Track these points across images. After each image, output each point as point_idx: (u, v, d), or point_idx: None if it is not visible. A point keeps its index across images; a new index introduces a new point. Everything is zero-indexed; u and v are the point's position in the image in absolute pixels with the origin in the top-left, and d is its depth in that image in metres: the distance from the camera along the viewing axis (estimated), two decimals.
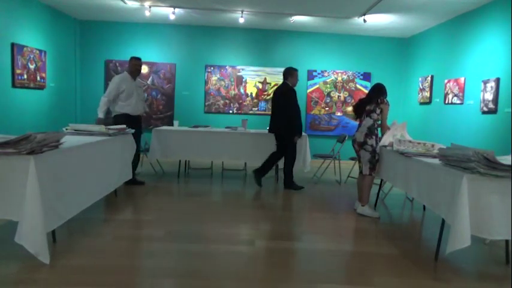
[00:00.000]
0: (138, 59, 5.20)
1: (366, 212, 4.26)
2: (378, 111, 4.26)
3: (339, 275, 2.81)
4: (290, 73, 5.39)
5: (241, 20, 7.06)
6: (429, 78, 7.10)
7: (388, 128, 4.36)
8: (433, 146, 3.72)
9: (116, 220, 3.80)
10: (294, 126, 5.28)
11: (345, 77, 8.24)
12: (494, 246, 3.42)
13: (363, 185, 4.30)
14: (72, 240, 3.17)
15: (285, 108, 5.28)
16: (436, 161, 3.20)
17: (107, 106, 5.01)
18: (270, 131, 5.56)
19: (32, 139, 2.53)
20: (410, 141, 3.91)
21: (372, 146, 4.22)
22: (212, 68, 8.08)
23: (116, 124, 4.87)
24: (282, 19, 7.21)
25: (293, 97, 5.29)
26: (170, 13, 6.87)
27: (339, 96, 8.26)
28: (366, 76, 8.25)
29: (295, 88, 5.47)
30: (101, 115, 4.95)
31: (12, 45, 5.66)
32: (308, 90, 8.23)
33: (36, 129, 5.38)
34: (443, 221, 3.01)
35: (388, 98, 4.41)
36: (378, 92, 4.36)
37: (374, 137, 4.24)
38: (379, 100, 4.28)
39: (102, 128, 4.12)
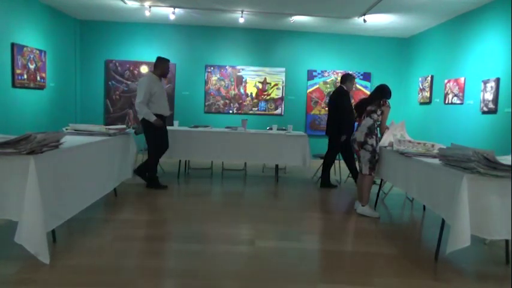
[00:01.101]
0: (169, 60, 5.20)
1: (366, 212, 4.26)
2: (379, 112, 4.27)
3: (339, 275, 2.81)
4: (349, 79, 5.61)
5: (241, 20, 7.06)
6: (429, 78, 7.10)
7: (387, 128, 4.36)
8: (433, 146, 3.72)
9: (116, 220, 3.80)
10: (341, 127, 5.44)
11: None
12: (494, 246, 3.42)
13: (363, 184, 4.30)
14: (72, 240, 3.17)
15: (336, 110, 5.49)
16: (436, 161, 3.20)
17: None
18: (326, 133, 5.80)
19: (32, 139, 2.53)
20: (410, 141, 3.92)
21: (372, 145, 4.22)
22: (212, 68, 8.08)
23: (147, 125, 4.96)
24: (282, 19, 7.21)
25: (346, 100, 5.51)
26: (170, 13, 6.87)
27: None
28: (366, 76, 8.25)
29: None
30: (152, 116, 4.92)
31: (12, 45, 5.66)
32: (308, 90, 8.23)
33: (36, 129, 5.38)
34: (443, 221, 3.01)
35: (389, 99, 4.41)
36: (381, 93, 4.36)
37: (374, 136, 4.24)
38: (381, 102, 4.28)
39: (102, 128, 4.13)
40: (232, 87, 8.15)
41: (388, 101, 4.35)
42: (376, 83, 8.20)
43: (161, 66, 5.09)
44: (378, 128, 4.39)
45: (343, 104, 5.47)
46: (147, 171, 5.20)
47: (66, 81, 7.45)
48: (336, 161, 6.34)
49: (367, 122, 4.28)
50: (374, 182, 4.60)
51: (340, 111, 5.45)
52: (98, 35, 7.93)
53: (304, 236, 3.64)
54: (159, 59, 5.12)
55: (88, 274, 2.59)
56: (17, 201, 2.52)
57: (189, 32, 8.01)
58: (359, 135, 4.30)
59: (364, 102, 4.46)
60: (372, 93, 4.54)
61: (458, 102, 6.09)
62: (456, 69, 6.27)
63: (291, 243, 3.42)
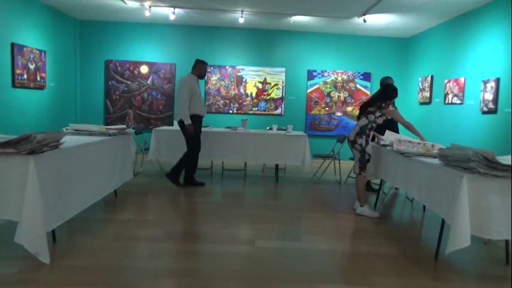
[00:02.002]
0: (207, 63, 5.42)
1: (365, 212, 4.26)
2: (378, 114, 4.21)
3: (339, 275, 2.81)
4: (389, 81, 5.59)
5: (241, 20, 7.06)
6: (429, 78, 7.10)
7: (411, 124, 4.24)
8: (433, 146, 3.72)
9: (116, 220, 3.80)
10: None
11: (345, 77, 8.24)
12: (494, 246, 3.42)
13: (357, 184, 4.34)
14: (72, 240, 3.17)
15: None
16: (436, 161, 3.20)
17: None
18: None
19: (32, 139, 2.53)
20: (410, 142, 3.92)
21: (360, 145, 4.23)
22: (212, 68, 8.08)
23: (188, 124, 5.07)
24: (282, 19, 7.22)
25: None
26: (170, 13, 6.87)
27: (339, 96, 8.26)
28: (366, 76, 8.25)
29: None
30: (188, 120, 5.07)
31: (12, 45, 5.66)
32: (308, 90, 8.24)
33: (36, 129, 5.39)
34: (443, 221, 3.01)
35: None
36: (381, 96, 4.29)
37: (364, 136, 4.23)
38: (382, 104, 4.21)
39: (102, 128, 4.12)
40: (232, 87, 8.15)
41: (392, 106, 4.22)
42: (376, 83, 8.24)
43: (199, 68, 5.31)
44: (369, 129, 4.27)
45: None
46: (178, 172, 5.34)
47: (66, 81, 7.45)
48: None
49: (362, 121, 4.27)
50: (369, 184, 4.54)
51: None
52: (98, 35, 7.93)
53: (304, 236, 3.64)
54: (197, 61, 5.36)
55: (88, 274, 2.59)
56: (17, 201, 2.52)
57: (189, 32, 8.01)
58: (351, 134, 4.34)
59: (367, 104, 4.38)
60: (376, 94, 4.43)
61: (458, 102, 6.09)
62: (456, 69, 6.27)
63: (291, 243, 3.42)
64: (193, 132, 5.13)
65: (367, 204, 4.33)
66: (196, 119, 5.20)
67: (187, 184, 5.39)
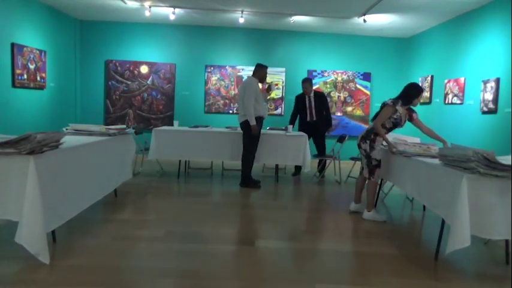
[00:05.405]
0: (267, 67, 5.50)
1: (374, 217, 4.11)
2: None
3: (339, 275, 2.81)
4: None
5: (241, 20, 7.06)
6: (429, 78, 7.10)
7: (383, 133, 3.99)
8: (428, 147, 3.72)
9: (116, 220, 3.80)
10: None
11: (345, 77, 8.24)
12: (494, 246, 3.42)
13: (368, 189, 4.14)
14: (72, 240, 3.17)
15: None
16: (436, 161, 3.20)
17: None
18: None
19: (32, 139, 2.53)
20: (406, 144, 3.90)
21: (365, 150, 4.05)
22: (212, 68, 8.08)
23: (249, 126, 5.21)
24: (282, 19, 7.22)
25: None
26: (170, 13, 6.87)
27: (339, 96, 8.26)
28: (366, 76, 8.25)
29: None
30: (254, 121, 5.21)
31: (12, 45, 5.66)
32: None
33: (36, 129, 5.38)
34: (443, 221, 3.01)
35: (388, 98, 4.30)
36: (396, 98, 4.11)
37: (368, 141, 4.03)
38: (383, 102, 4.11)
39: (102, 128, 4.13)
40: (232, 87, 8.15)
41: (391, 101, 4.02)
42: (376, 83, 8.27)
43: (261, 71, 5.38)
44: (374, 134, 4.07)
45: None
46: (248, 175, 5.46)
47: (66, 81, 7.45)
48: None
49: (370, 125, 4.15)
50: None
51: None
52: (98, 35, 7.93)
53: (304, 236, 3.64)
54: (259, 65, 5.44)
55: (88, 274, 2.59)
56: (17, 201, 2.51)
57: (189, 32, 8.00)
58: (359, 137, 4.19)
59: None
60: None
61: (458, 102, 6.09)
62: (456, 69, 6.27)
63: (291, 243, 3.42)
64: (257, 133, 5.31)
65: (374, 209, 4.20)
66: (260, 120, 5.36)
67: (246, 185, 5.45)
